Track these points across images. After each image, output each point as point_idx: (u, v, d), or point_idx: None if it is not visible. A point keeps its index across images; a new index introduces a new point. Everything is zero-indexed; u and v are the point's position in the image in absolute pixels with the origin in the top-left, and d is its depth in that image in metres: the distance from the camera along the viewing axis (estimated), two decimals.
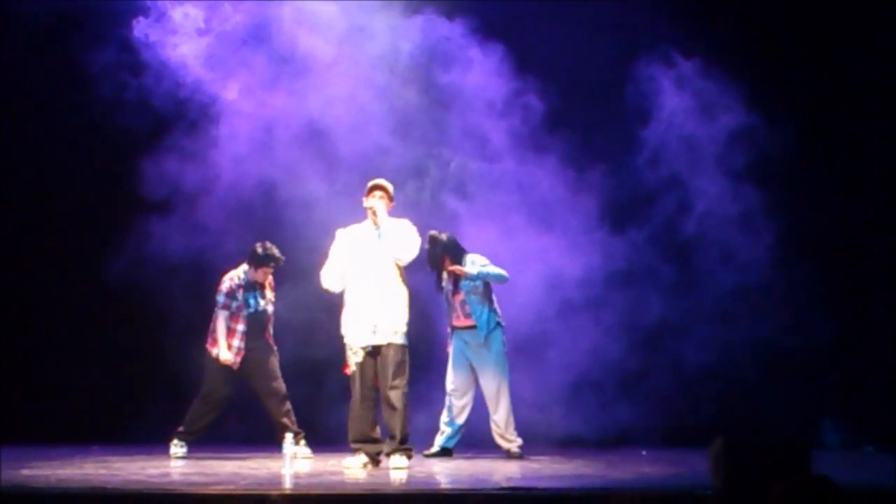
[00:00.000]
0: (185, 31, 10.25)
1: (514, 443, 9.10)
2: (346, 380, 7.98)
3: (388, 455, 7.86)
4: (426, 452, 9.13)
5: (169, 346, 10.28)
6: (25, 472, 7.22)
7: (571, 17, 10.55)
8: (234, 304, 9.15)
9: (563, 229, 10.35)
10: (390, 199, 8.00)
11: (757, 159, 10.47)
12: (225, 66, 10.32)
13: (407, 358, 7.89)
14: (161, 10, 10.25)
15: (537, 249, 10.15)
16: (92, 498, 6.06)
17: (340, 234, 8.07)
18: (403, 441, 7.85)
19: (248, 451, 9.24)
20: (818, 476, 4.11)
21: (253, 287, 9.23)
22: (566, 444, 10.14)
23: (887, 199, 10.72)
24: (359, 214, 8.10)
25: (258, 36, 10.37)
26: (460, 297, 9.17)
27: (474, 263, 9.12)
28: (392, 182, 8.12)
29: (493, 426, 9.16)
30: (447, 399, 9.26)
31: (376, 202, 7.92)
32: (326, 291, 8.09)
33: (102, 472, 7.42)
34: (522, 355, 9.88)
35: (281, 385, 9.25)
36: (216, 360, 9.10)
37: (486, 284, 9.20)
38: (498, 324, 9.19)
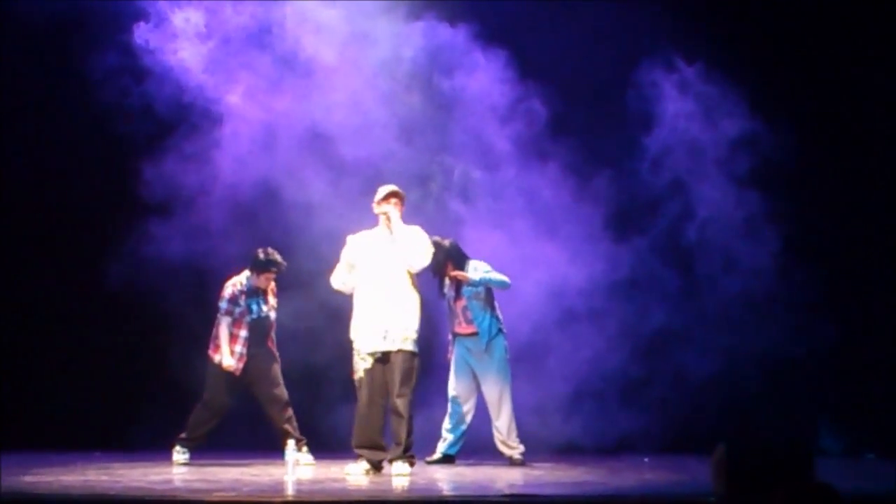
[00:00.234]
0: (187, 35, 10.25)
1: (516, 449, 9.09)
2: (350, 386, 7.97)
3: (390, 462, 7.85)
4: (428, 459, 9.12)
5: (171, 352, 10.25)
6: (27, 478, 7.21)
7: (574, 22, 10.55)
8: (237, 311, 9.14)
9: (565, 235, 10.34)
10: (402, 206, 8.01)
11: (760, 165, 10.46)
12: (227, 70, 10.32)
13: (416, 365, 7.88)
14: (162, 15, 10.25)
15: (540, 256, 10.14)
16: None
17: (352, 239, 8.07)
18: (407, 449, 7.84)
19: (250, 458, 9.22)
20: (819, 483, 4.11)
21: (255, 293, 9.22)
22: (568, 451, 10.13)
23: (891, 204, 10.69)
24: (362, 220, 8.09)
25: (260, 41, 10.37)
26: (462, 303, 9.15)
27: (477, 270, 9.10)
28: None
29: (495, 433, 9.15)
30: (449, 406, 9.24)
31: (391, 208, 7.92)
32: (336, 292, 8.10)
33: (104, 478, 7.40)
34: (525, 362, 9.87)
35: (283, 392, 9.23)
36: (218, 366, 9.09)
37: (489, 291, 9.18)
38: (500, 330, 9.17)
